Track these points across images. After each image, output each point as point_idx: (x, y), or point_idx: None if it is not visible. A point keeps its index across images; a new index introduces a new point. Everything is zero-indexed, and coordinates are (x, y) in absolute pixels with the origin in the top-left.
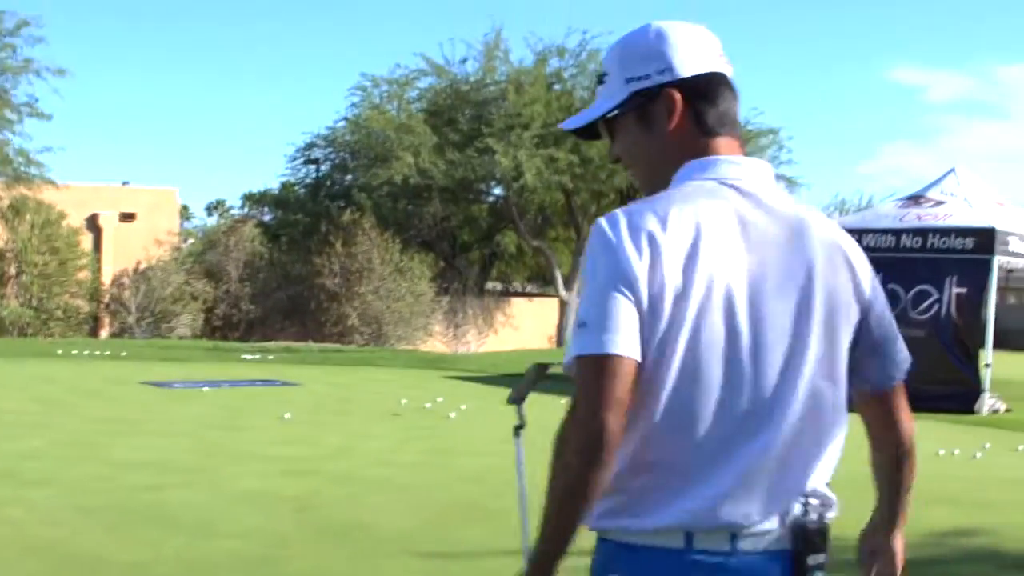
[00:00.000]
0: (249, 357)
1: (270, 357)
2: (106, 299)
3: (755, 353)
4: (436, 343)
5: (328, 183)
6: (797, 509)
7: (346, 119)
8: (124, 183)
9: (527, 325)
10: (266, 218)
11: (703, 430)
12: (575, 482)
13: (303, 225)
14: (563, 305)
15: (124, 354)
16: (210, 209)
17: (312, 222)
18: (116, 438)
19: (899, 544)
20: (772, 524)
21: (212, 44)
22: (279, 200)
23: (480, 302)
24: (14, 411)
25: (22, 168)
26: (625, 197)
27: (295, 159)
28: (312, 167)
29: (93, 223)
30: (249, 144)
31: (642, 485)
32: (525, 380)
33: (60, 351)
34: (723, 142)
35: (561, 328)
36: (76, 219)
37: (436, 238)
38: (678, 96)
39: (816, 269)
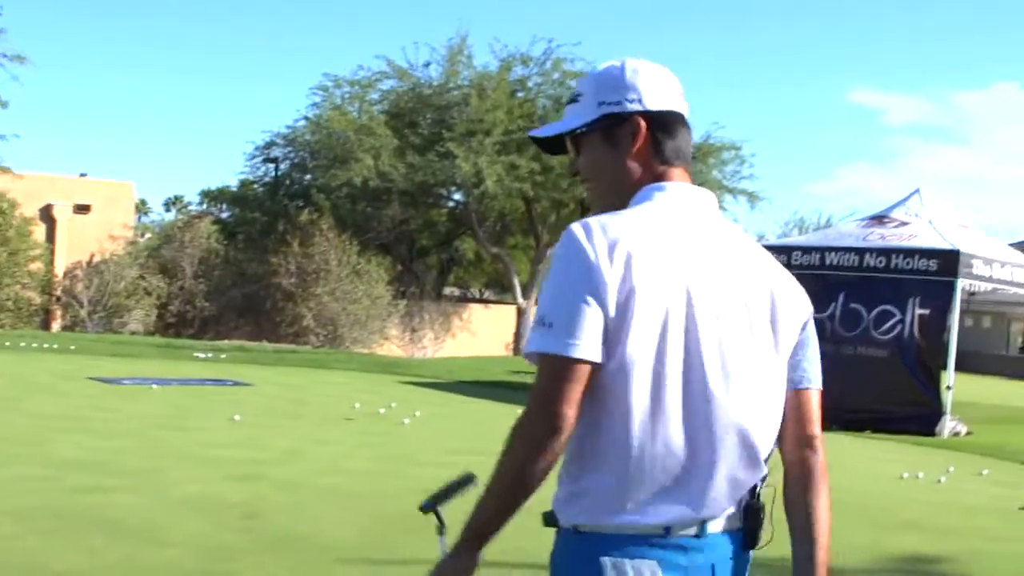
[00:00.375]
0: (201, 355)
1: (223, 356)
2: (58, 291)
3: (712, 358)
4: (392, 347)
5: (287, 182)
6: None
7: (307, 119)
8: (82, 175)
9: (484, 331)
10: (224, 215)
11: (676, 436)
12: (523, 469)
13: (260, 223)
14: (520, 313)
15: (73, 348)
16: (168, 204)
17: (270, 221)
18: (59, 435)
19: None
20: (732, 510)
21: (176, 39)
22: (237, 198)
23: (437, 307)
24: None
25: None
26: (585, 208)
27: (254, 157)
28: (271, 166)
29: (47, 214)
30: (209, 141)
31: (623, 485)
32: (449, 485)
33: (8, 343)
34: (676, 172)
35: (518, 336)
36: (30, 209)
37: (394, 241)
38: (643, 124)
39: (764, 285)
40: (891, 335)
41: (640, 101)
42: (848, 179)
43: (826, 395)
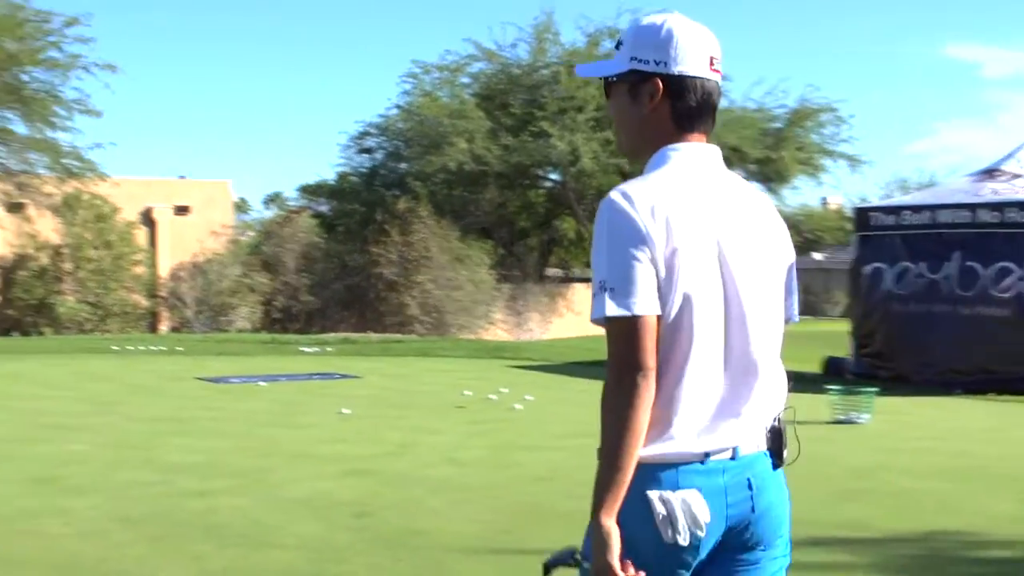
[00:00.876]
0: (307, 350)
1: (329, 349)
2: (163, 293)
3: (745, 301)
4: (498, 331)
5: (383, 172)
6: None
7: (398, 107)
8: (181, 177)
9: (588, 311)
10: (322, 208)
11: (717, 374)
12: (626, 426)
13: (359, 215)
14: None
15: (180, 349)
16: (267, 202)
17: (368, 211)
18: (166, 439)
19: None
20: (761, 433)
21: (264, 36)
22: (335, 190)
23: (541, 288)
24: (60, 412)
25: (74, 164)
26: None
27: (349, 148)
28: (366, 156)
29: (148, 217)
30: (305, 136)
31: (668, 421)
32: (567, 551)
33: (116, 347)
34: (692, 135)
35: None
36: (130, 213)
37: (494, 225)
38: (661, 85)
39: (769, 229)
40: (1011, 292)
41: (666, 64)
42: (948, 136)
43: (947, 357)
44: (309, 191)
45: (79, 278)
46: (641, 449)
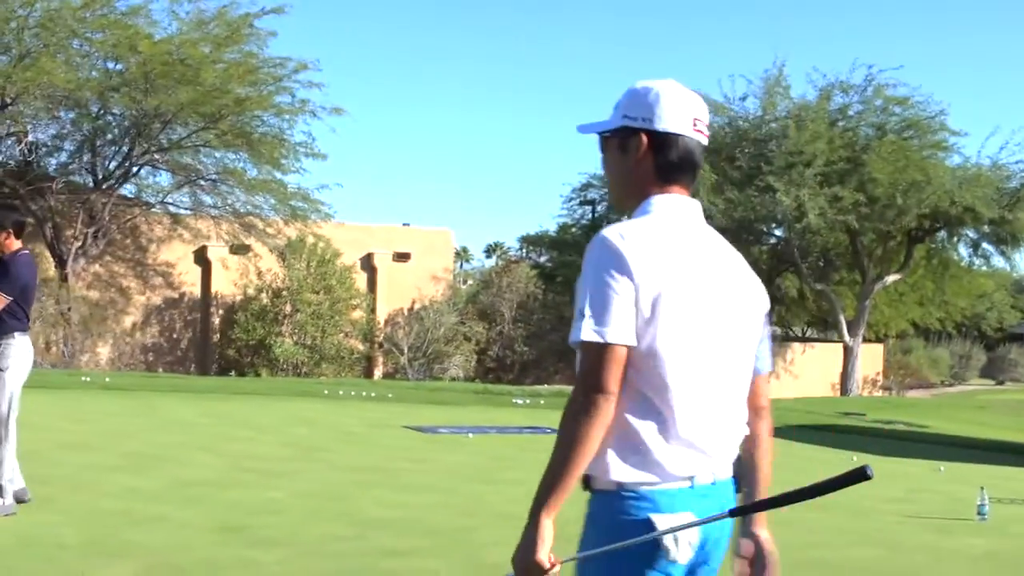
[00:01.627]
0: (520, 402)
1: (541, 402)
2: (380, 339)
3: (721, 343)
4: None
5: (604, 223)
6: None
7: None
8: (404, 224)
9: (808, 372)
10: (542, 259)
11: (696, 407)
12: (578, 442)
13: (578, 266)
14: (847, 351)
15: (391, 396)
16: (488, 251)
17: None
18: (367, 490)
19: (765, 535)
20: (730, 465)
21: (490, 86)
22: (555, 241)
23: None
24: (261, 457)
25: (299, 206)
26: (913, 239)
27: (571, 200)
28: (588, 208)
29: (368, 262)
30: (528, 186)
31: (658, 447)
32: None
33: (327, 391)
34: (673, 187)
35: (845, 375)
36: (351, 258)
37: None
38: (646, 140)
39: (743, 279)
40: None
41: (651, 121)
42: None
43: None
44: (530, 241)
45: (297, 320)
46: (632, 475)
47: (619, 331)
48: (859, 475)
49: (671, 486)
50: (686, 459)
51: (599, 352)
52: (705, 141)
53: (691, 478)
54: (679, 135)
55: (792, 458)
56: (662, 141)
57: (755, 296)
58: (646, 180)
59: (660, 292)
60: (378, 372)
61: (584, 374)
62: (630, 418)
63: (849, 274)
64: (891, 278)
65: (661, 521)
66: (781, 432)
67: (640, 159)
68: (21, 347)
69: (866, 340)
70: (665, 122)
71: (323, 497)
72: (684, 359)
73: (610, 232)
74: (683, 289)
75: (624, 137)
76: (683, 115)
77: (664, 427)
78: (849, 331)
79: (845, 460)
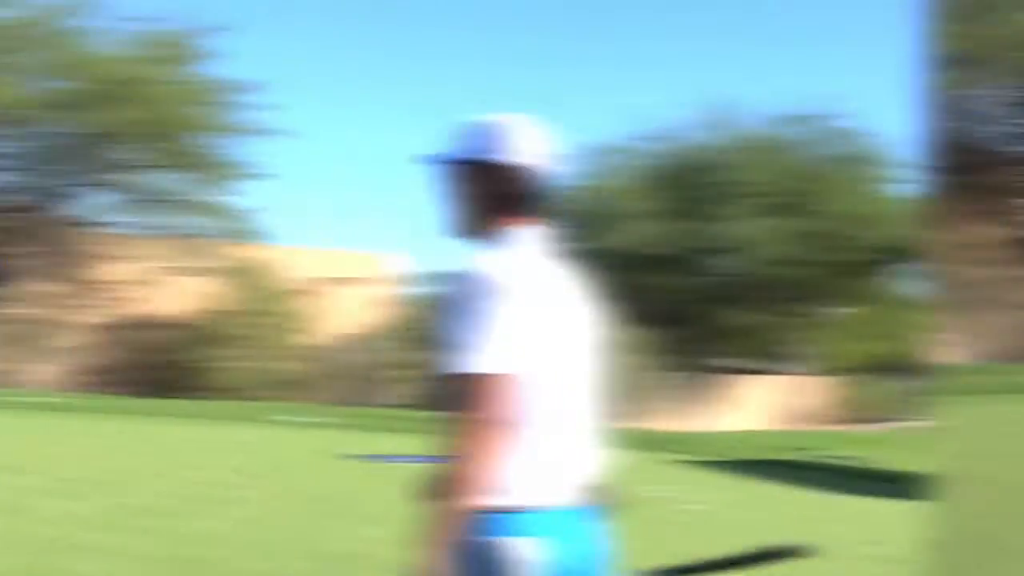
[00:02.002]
0: None
1: None
2: (324, 363)
3: (578, 370)
4: (659, 419)
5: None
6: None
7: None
8: (351, 248)
9: (754, 404)
10: None
11: (556, 432)
12: (470, 469)
13: None
14: (794, 383)
15: (334, 421)
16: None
17: None
18: (316, 520)
19: None
20: (588, 489)
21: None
22: None
23: (705, 378)
24: (204, 482)
25: (244, 228)
26: (861, 272)
27: None
28: None
29: (314, 285)
30: None
31: (516, 472)
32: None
33: (272, 416)
34: (521, 218)
35: (792, 407)
36: (297, 281)
37: (659, 311)
38: (497, 171)
39: (592, 305)
40: None
41: (500, 153)
42: None
43: None
44: None
45: (242, 343)
46: (489, 498)
47: (500, 360)
48: (789, 552)
49: (526, 508)
50: (546, 483)
51: (481, 383)
52: (557, 173)
53: (549, 504)
54: (524, 166)
55: (740, 493)
56: (511, 172)
57: (602, 324)
58: (497, 209)
59: (525, 320)
60: (324, 396)
61: (468, 406)
62: (496, 444)
63: (797, 306)
64: (841, 310)
65: (522, 545)
66: (728, 466)
67: (487, 190)
68: None
69: (815, 373)
70: (516, 155)
71: (269, 527)
72: (544, 387)
73: (480, 264)
74: (548, 317)
75: (471, 168)
76: (530, 147)
77: (525, 452)
78: (796, 363)
79: (800, 498)
